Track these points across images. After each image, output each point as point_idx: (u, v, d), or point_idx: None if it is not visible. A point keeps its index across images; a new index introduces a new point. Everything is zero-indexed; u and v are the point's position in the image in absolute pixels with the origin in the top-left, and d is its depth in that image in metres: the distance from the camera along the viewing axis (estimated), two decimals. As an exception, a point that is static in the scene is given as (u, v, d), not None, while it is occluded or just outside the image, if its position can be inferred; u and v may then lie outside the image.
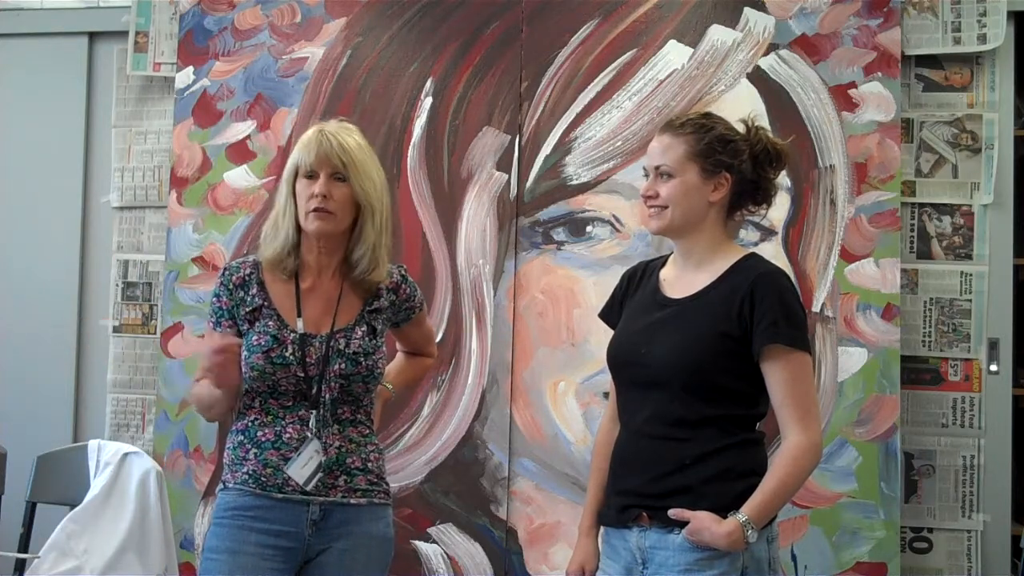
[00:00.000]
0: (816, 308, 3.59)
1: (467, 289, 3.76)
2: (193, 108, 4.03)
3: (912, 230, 3.71)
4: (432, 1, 3.89)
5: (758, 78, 3.68)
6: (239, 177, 3.98)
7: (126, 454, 3.52)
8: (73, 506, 3.46)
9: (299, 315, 2.58)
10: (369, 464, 2.59)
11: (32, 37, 4.31)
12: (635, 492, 2.38)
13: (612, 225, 3.70)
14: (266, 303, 2.59)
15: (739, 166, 2.42)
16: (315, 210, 2.55)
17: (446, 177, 3.81)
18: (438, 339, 3.74)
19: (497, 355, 3.72)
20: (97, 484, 3.46)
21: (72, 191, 4.22)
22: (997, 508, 3.62)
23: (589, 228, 3.72)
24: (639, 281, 2.56)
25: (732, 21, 3.72)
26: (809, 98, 3.66)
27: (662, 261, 2.56)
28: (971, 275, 3.67)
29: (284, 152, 3.93)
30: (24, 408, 4.10)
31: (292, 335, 2.55)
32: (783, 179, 3.61)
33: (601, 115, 3.74)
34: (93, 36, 4.28)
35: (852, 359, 3.57)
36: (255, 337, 2.56)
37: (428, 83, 3.86)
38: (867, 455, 3.54)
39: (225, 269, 2.64)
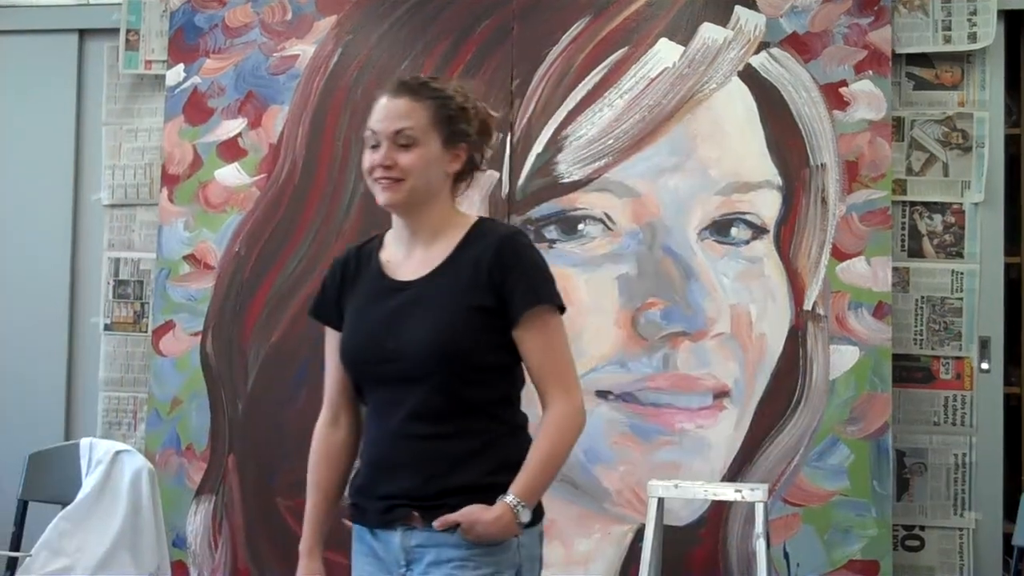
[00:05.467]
0: (808, 306, 3.60)
1: (459, 287, 3.75)
2: (184, 106, 4.02)
3: (903, 228, 3.72)
4: (423, -1, 3.89)
5: (749, 76, 3.68)
6: (230, 175, 3.97)
7: (118, 452, 3.50)
8: (65, 504, 3.44)
9: None
10: None
11: (22, 34, 4.30)
12: (406, 495, 2.16)
13: (604, 223, 3.70)
14: None
15: (472, 136, 2.25)
16: None
17: (437, 175, 3.80)
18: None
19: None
20: (89, 482, 3.45)
21: (63, 189, 4.21)
22: (989, 506, 3.64)
23: (581, 226, 3.72)
24: (356, 269, 2.31)
25: (723, 19, 3.72)
26: (800, 96, 3.66)
27: (377, 243, 2.32)
28: (962, 273, 3.68)
29: (275, 150, 3.93)
30: (16, 406, 4.10)
31: None
32: (775, 177, 3.62)
33: (592, 113, 3.74)
34: (83, 33, 4.27)
35: (843, 357, 3.57)
36: None
37: (419, 81, 3.85)
38: (859, 453, 3.54)
39: None
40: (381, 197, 2.20)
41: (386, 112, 2.18)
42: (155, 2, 4.14)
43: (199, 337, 3.92)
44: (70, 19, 4.27)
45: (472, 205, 3.74)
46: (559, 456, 2.17)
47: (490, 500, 2.11)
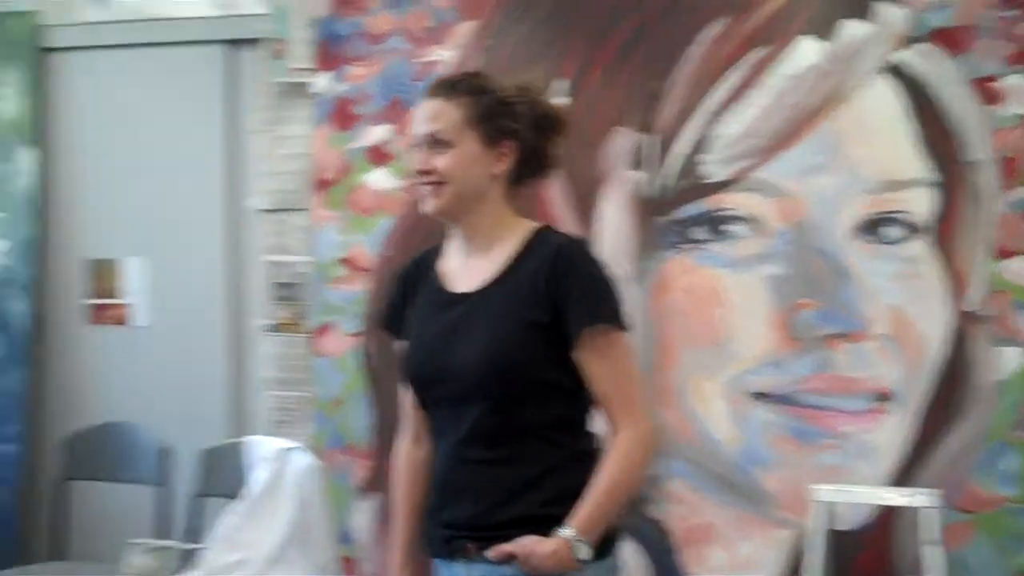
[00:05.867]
0: (968, 307, 3.56)
1: (607, 290, 3.79)
2: (330, 113, 4.10)
3: (1067, 225, 3.63)
4: (562, 1, 3.91)
5: (894, 72, 3.63)
6: (379, 179, 4.05)
7: (284, 450, 3.62)
8: (236, 499, 3.57)
9: None
10: None
11: (172, 46, 4.43)
12: (464, 525, 2.07)
13: (751, 223, 3.70)
14: None
15: (522, 132, 2.11)
16: None
17: (581, 178, 3.81)
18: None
19: (641, 356, 3.70)
20: (258, 479, 3.57)
21: (219, 195, 4.35)
22: None
23: (728, 227, 3.71)
24: (417, 281, 2.21)
25: (865, 14, 3.67)
26: (950, 92, 3.60)
27: (436, 253, 2.22)
28: None
29: (422, 154, 4.00)
30: (189, 405, 4.24)
31: None
32: (927, 175, 3.59)
33: (735, 112, 3.72)
34: (231, 44, 4.39)
35: (1009, 359, 3.51)
36: None
37: (560, 84, 3.89)
38: (1029, 458, 3.50)
39: None
40: (426, 205, 2.11)
41: (421, 115, 2.11)
42: (300, 11, 4.23)
43: (358, 338, 4.03)
44: (219, 30, 4.38)
45: (618, 208, 3.78)
46: (623, 487, 2.03)
47: (549, 532, 1.99)
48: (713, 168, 3.74)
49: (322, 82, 4.13)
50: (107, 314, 4.45)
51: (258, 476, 3.56)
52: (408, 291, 2.22)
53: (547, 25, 3.92)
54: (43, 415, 4.43)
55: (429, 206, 2.10)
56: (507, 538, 2.01)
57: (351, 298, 4.05)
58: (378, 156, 4.07)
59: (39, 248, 4.45)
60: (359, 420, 4.00)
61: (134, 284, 4.43)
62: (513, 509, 2.03)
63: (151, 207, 4.40)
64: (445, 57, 4.00)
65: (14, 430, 4.36)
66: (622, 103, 3.81)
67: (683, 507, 3.73)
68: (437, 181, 2.08)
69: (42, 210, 4.46)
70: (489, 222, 2.11)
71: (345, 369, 4.03)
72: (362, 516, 4.00)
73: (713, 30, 3.76)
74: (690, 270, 3.74)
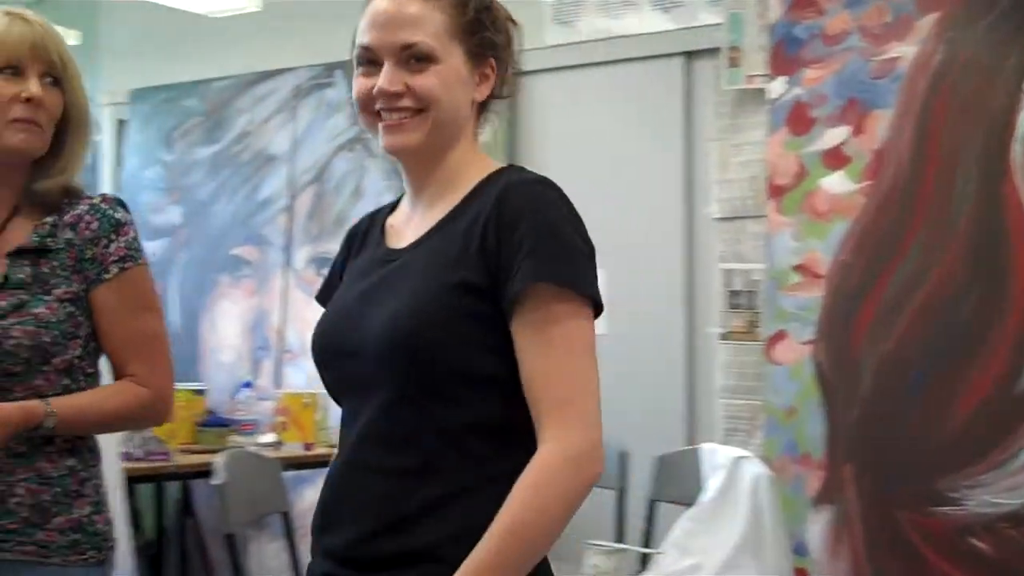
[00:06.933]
0: None
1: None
2: (786, 117, 4.08)
3: None
4: (1034, -15, 3.67)
5: None
6: (836, 183, 3.99)
7: (738, 458, 3.66)
8: (690, 505, 3.65)
9: None
10: (15, 500, 1.87)
11: (632, 62, 4.61)
12: (339, 556, 1.56)
13: None
14: None
15: (504, 49, 1.66)
16: (20, 120, 1.91)
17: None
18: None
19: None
20: (712, 486, 3.62)
21: (676, 203, 4.47)
22: None
23: None
24: (363, 240, 1.73)
25: None
26: None
27: (391, 207, 1.73)
28: None
29: (880, 155, 3.89)
30: (643, 411, 4.37)
31: None
32: None
33: None
34: (689, 55, 4.50)
35: None
36: None
37: (1030, 74, 3.64)
38: None
39: None
40: (389, 139, 1.60)
41: (387, 18, 1.58)
42: (755, 18, 4.24)
43: (810, 346, 3.97)
44: (677, 43, 4.51)
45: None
46: (530, 531, 1.46)
47: None
48: None
49: (778, 87, 4.12)
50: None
51: (712, 484, 3.62)
52: (352, 252, 1.75)
53: (1016, 11, 3.69)
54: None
55: (397, 140, 1.60)
56: None
57: (806, 305, 4.00)
58: (835, 159, 4.01)
59: (510, 259, 4.77)
60: (813, 429, 3.94)
61: (596, 293, 4.64)
62: (405, 540, 1.51)
63: (611, 218, 4.58)
64: (905, 53, 3.88)
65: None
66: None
67: None
68: (413, 108, 1.59)
69: (511, 224, 4.79)
70: (454, 163, 1.64)
71: (799, 377, 3.98)
72: (816, 527, 3.92)
73: None
74: None
